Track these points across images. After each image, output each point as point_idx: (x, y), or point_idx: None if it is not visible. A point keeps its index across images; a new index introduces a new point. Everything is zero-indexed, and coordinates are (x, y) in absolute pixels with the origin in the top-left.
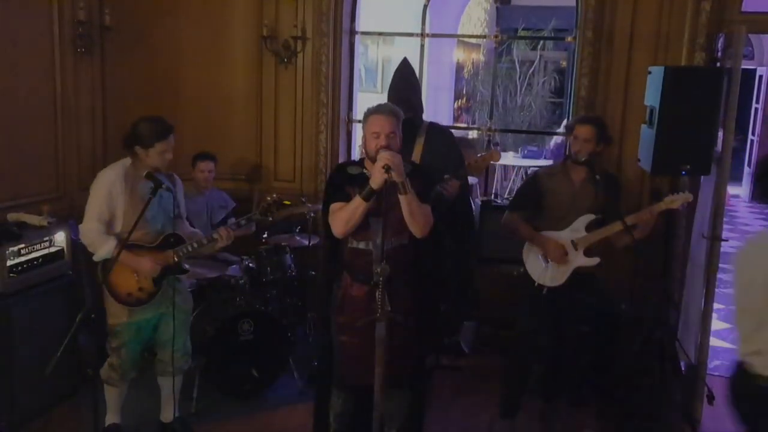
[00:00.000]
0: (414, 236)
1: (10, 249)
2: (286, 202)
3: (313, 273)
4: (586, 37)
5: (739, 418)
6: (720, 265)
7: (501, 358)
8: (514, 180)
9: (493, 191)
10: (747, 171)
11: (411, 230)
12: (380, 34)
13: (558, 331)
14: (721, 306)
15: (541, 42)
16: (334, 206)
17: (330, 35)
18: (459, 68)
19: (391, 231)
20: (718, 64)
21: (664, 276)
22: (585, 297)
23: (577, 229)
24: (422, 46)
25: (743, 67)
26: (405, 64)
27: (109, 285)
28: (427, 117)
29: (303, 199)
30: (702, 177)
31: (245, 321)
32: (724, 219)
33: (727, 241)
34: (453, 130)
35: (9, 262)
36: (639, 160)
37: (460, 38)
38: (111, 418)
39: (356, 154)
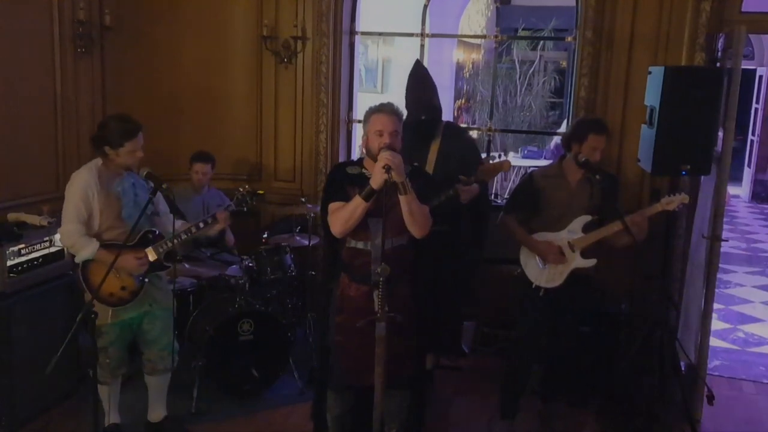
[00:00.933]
0: (413, 237)
1: (10, 249)
2: (260, 192)
3: (313, 273)
4: (586, 37)
5: None
6: (720, 265)
7: (501, 358)
8: (513, 180)
9: (493, 191)
10: (747, 171)
11: (410, 231)
12: (380, 34)
13: (557, 331)
14: (721, 306)
15: (541, 42)
16: (333, 206)
17: (330, 35)
18: (459, 68)
19: (390, 231)
20: (718, 64)
21: (664, 276)
22: (583, 297)
23: (573, 231)
24: (422, 46)
25: (743, 67)
26: (419, 66)
27: (89, 286)
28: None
29: (303, 199)
30: (702, 177)
31: (245, 321)
32: (724, 219)
33: (727, 241)
34: None
35: (9, 262)
36: (639, 160)
37: (460, 38)
38: (111, 418)
39: (356, 154)
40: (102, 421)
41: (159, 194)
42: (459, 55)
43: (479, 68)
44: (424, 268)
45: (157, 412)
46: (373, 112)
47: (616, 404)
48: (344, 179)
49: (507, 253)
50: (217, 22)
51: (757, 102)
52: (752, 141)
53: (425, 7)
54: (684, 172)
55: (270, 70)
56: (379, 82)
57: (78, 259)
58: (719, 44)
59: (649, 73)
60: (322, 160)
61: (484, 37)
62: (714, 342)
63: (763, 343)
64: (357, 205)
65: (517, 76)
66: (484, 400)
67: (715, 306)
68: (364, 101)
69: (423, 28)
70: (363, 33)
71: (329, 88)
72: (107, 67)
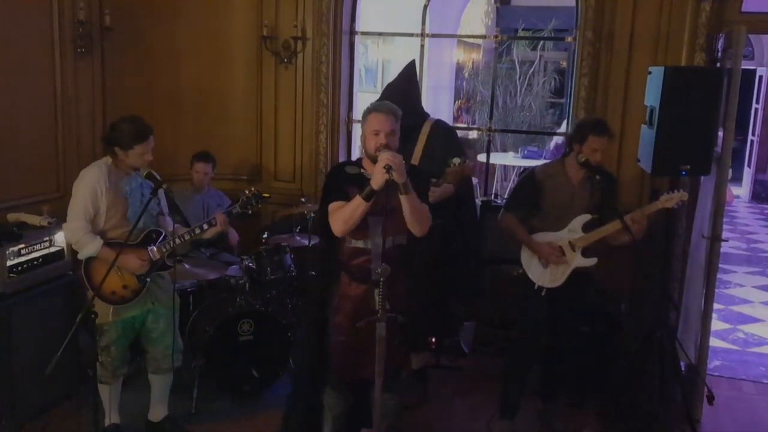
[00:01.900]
0: (411, 236)
1: (10, 249)
2: (265, 195)
3: (313, 273)
4: (586, 37)
5: None
6: (720, 265)
7: (501, 358)
8: (513, 180)
9: (493, 191)
10: (747, 171)
11: (411, 230)
12: (380, 34)
13: (557, 331)
14: (721, 306)
15: (541, 42)
16: (333, 205)
17: (330, 35)
18: (459, 68)
19: (390, 230)
20: (718, 64)
21: (664, 276)
22: (583, 297)
23: (574, 230)
24: (422, 46)
25: (743, 67)
26: (411, 69)
27: (91, 284)
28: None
29: (303, 199)
30: (702, 177)
31: (245, 321)
32: (724, 219)
33: (727, 240)
34: None
35: (9, 262)
36: (639, 160)
37: (460, 38)
38: (110, 418)
39: (356, 154)
40: (102, 421)
41: (162, 192)
42: (459, 55)
43: (479, 68)
44: (420, 265)
45: (158, 412)
46: (369, 111)
47: (616, 404)
48: (343, 179)
49: (507, 253)
50: (217, 22)
51: (757, 102)
52: (752, 141)
53: (425, 7)
54: (684, 172)
55: (270, 70)
56: (379, 82)
57: (81, 256)
58: (719, 44)
59: (649, 73)
60: (322, 160)
61: (484, 37)
62: (714, 342)
63: (763, 343)
64: (357, 205)
65: (517, 76)
66: (484, 400)
67: (715, 306)
68: (364, 101)
69: (423, 28)
70: (363, 33)
71: (329, 88)
72: (107, 67)
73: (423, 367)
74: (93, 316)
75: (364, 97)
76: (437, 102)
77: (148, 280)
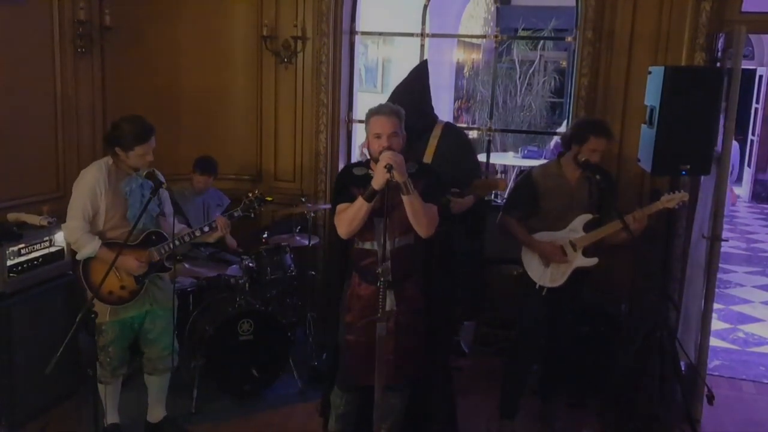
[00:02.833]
0: (420, 236)
1: (10, 249)
2: (268, 198)
3: (313, 273)
4: (586, 37)
5: None
6: (720, 265)
7: (501, 358)
8: (513, 180)
9: (493, 191)
10: (747, 171)
11: (417, 231)
12: (380, 34)
13: (557, 331)
14: (721, 306)
15: (541, 42)
16: (339, 207)
17: (330, 35)
18: (459, 68)
19: (396, 231)
20: (718, 64)
21: (664, 276)
22: (583, 296)
23: (575, 229)
24: (422, 46)
25: (743, 67)
26: (424, 69)
27: (89, 284)
28: None
29: (303, 199)
30: (702, 177)
31: (245, 321)
32: (724, 219)
33: (727, 240)
34: None
35: (9, 262)
36: (639, 160)
37: (460, 38)
38: (110, 418)
39: (356, 154)
40: (102, 421)
41: (166, 195)
42: (459, 55)
43: (479, 68)
44: (435, 267)
45: (156, 413)
46: (372, 114)
47: (616, 404)
48: (350, 181)
49: (507, 253)
50: (217, 22)
51: (757, 102)
52: (752, 141)
53: (425, 7)
54: (684, 172)
55: (270, 70)
56: (379, 82)
57: (79, 256)
58: (719, 44)
59: (649, 73)
60: (322, 160)
61: (484, 37)
62: (714, 342)
63: (763, 343)
64: (360, 206)
65: (517, 76)
66: (484, 400)
67: (715, 306)
68: (364, 101)
69: (423, 28)
70: (363, 33)
71: (329, 88)
72: (107, 67)
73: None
74: (93, 316)
75: (364, 97)
76: (437, 102)
77: (146, 281)
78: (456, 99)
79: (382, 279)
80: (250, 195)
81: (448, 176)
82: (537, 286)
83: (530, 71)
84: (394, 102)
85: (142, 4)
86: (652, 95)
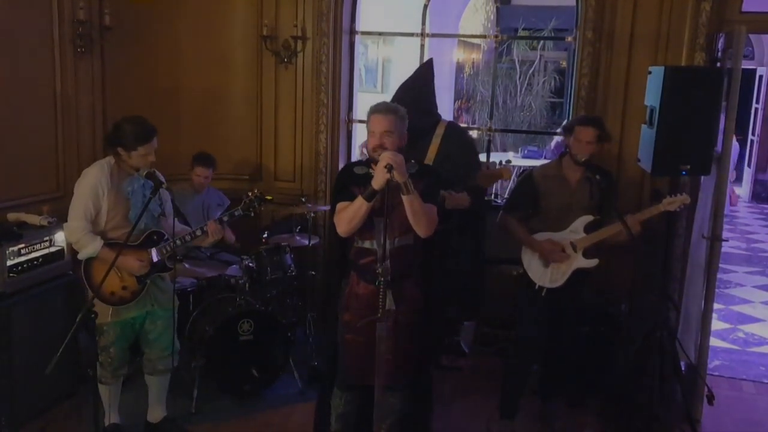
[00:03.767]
0: (419, 236)
1: (10, 249)
2: (268, 197)
3: (313, 273)
4: (586, 37)
5: None
6: (720, 265)
7: (501, 358)
8: (514, 180)
9: (493, 191)
10: (747, 171)
11: (416, 230)
12: (380, 34)
13: (556, 331)
14: (721, 306)
15: (541, 42)
16: (339, 206)
17: (330, 35)
18: (459, 68)
19: (395, 231)
20: (718, 64)
21: (664, 276)
22: (583, 297)
23: (575, 230)
24: (422, 46)
25: (743, 67)
26: (429, 68)
27: (91, 284)
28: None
29: (303, 199)
30: (702, 177)
31: (245, 321)
32: (724, 219)
33: (727, 240)
34: None
35: (9, 262)
36: (639, 160)
37: (460, 38)
38: (110, 418)
39: (356, 154)
40: (102, 421)
41: (168, 195)
42: (459, 55)
43: (479, 68)
44: (433, 267)
45: (156, 413)
46: (370, 112)
47: (616, 404)
48: (350, 179)
49: (507, 253)
50: (217, 22)
51: (757, 102)
52: (752, 141)
53: (425, 7)
54: (684, 172)
55: (270, 70)
56: (379, 82)
57: (81, 256)
58: (719, 44)
59: (649, 73)
60: (322, 160)
61: (484, 37)
62: (714, 342)
63: (763, 343)
64: (360, 205)
65: (517, 76)
66: (484, 400)
67: (715, 306)
68: (364, 101)
69: (423, 28)
70: (363, 33)
71: (329, 88)
72: (107, 67)
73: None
74: (93, 315)
75: (364, 97)
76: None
77: (148, 281)
78: (456, 99)
79: (381, 278)
80: (250, 194)
81: (450, 175)
82: (537, 287)
83: (530, 71)
84: (399, 100)
85: (142, 4)
86: (652, 95)
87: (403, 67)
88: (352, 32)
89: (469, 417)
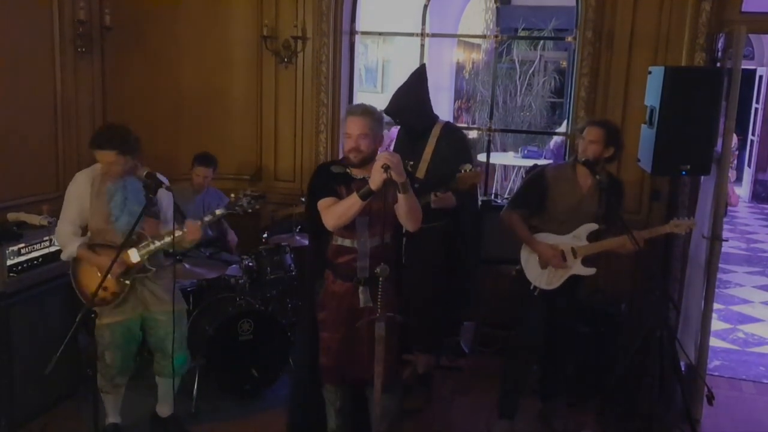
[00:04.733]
0: (395, 235)
1: (10, 249)
2: (256, 195)
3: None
4: (586, 37)
5: None
6: (720, 265)
7: (501, 358)
8: (514, 180)
9: (493, 191)
10: (747, 171)
11: (406, 226)
12: (380, 34)
13: (555, 331)
14: (721, 306)
15: (541, 42)
16: (324, 202)
17: (330, 35)
18: (459, 68)
19: (376, 230)
20: (718, 64)
21: (664, 276)
22: (580, 299)
23: (579, 237)
24: (422, 46)
25: (743, 67)
26: (422, 73)
27: (77, 285)
28: None
29: (303, 199)
30: (702, 177)
31: (245, 321)
32: (724, 219)
33: (727, 240)
34: None
35: (9, 262)
36: (639, 160)
37: (460, 38)
38: (110, 418)
39: None
40: (103, 421)
41: (168, 196)
42: (459, 55)
43: (479, 68)
44: (413, 265)
45: (163, 409)
46: (346, 113)
47: (616, 404)
48: (330, 178)
49: (507, 253)
50: (217, 22)
51: (757, 102)
52: (752, 141)
53: (425, 7)
54: (684, 172)
55: (270, 70)
56: (379, 82)
57: (62, 257)
58: (719, 44)
59: (649, 73)
60: (322, 159)
61: (484, 37)
62: (714, 342)
63: (763, 343)
64: (353, 203)
65: (517, 76)
66: (484, 400)
67: (715, 306)
68: (363, 101)
69: (423, 28)
70: (363, 33)
71: (329, 88)
72: (107, 67)
73: (427, 371)
74: (93, 315)
75: (364, 97)
76: (437, 102)
77: (127, 282)
78: (456, 99)
79: (381, 279)
80: (233, 195)
81: (448, 174)
82: (531, 287)
83: (530, 71)
84: (395, 105)
85: (142, 4)
86: (652, 95)
87: (403, 67)
88: (352, 32)
89: (469, 417)
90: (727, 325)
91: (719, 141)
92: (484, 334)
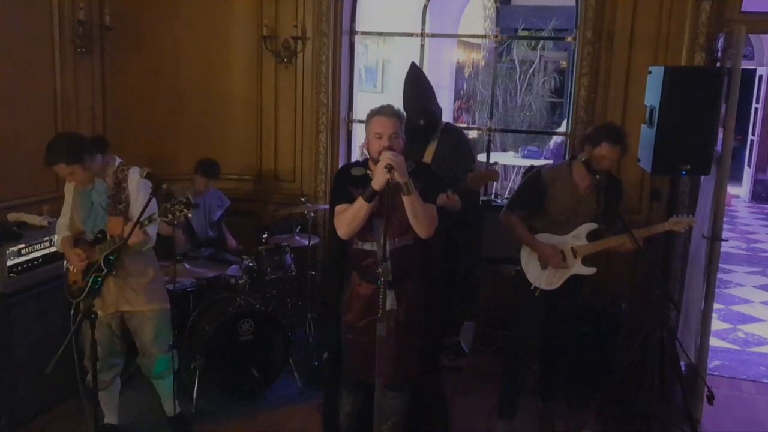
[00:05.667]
0: (419, 236)
1: (10, 249)
2: (186, 202)
3: (313, 273)
4: (586, 37)
5: None
6: (720, 265)
7: (501, 358)
8: (514, 180)
9: (493, 191)
10: (747, 171)
11: (415, 230)
12: (380, 34)
13: (553, 332)
14: (721, 306)
15: (541, 42)
16: (338, 208)
17: (330, 35)
18: (459, 68)
19: (395, 231)
20: (718, 64)
21: (664, 276)
22: (580, 300)
23: (578, 236)
24: (422, 46)
25: (743, 67)
26: (414, 69)
27: (64, 276)
28: None
29: (303, 199)
30: (702, 177)
31: (245, 321)
32: (724, 219)
33: (727, 240)
34: None
35: (9, 262)
36: (639, 160)
37: (460, 38)
38: (107, 418)
39: (356, 154)
40: (102, 421)
41: (142, 183)
42: (459, 55)
43: (479, 68)
44: (433, 267)
45: (168, 408)
46: (373, 114)
47: (616, 404)
48: (348, 181)
49: (507, 253)
50: (217, 22)
51: (757, 102)
52: (752, 141)
53: (425, 7)
54: (684, 172)
55: (270, 70)
56: (379, 82)
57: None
58: (719, 44)
59: (649, 73)
60: (322, 160)
61: (484, 37)
62: (714, 342)
63: (763, 343)
64: (360, 207)
65: (517, 76)
66: (484, 400)
67: (715, 306)
68: (364, 101)
69: (423, 28)
70: (363, 33)
71: (329, 88)
72: (107, 67)
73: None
74: (93, 315)
75: (364, 97)
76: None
77: (90, 278)
78: (456, 99)
79: (382, 279)
80: (168, 205)
81: (447, 176)
82: (531, 287)
83: (530, 71)
84: (407, 104)
85: (142, 4)
86: (652, 95)
87: (403, 67)
88: (352, 32)
89: (469, 417)
90: (727, 325)
91: (719, 141)
92: (484, 334)
